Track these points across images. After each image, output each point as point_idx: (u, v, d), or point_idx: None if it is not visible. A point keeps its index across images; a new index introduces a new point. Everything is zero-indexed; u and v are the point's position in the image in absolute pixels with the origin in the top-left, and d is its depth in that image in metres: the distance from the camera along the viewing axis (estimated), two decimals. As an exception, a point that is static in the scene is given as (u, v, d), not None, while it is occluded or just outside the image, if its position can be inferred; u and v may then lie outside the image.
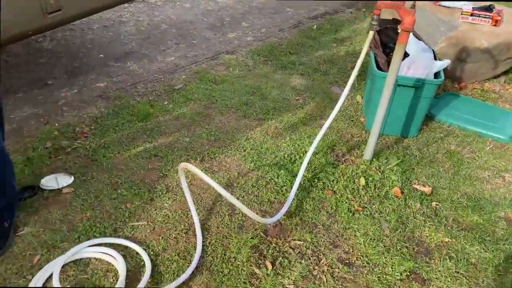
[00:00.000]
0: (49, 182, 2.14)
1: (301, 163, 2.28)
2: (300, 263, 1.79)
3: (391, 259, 1.83)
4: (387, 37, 2.78)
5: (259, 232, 1.92)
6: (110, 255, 1.73)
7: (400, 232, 1.97)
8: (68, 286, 1.61)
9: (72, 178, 2.17)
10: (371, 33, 2.11)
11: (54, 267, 1.64)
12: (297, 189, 2.06)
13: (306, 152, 2.41)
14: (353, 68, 2.17)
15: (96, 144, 2.45)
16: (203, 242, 1.83)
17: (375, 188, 2.20)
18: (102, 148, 2.41)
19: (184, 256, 1.78)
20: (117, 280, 1.64)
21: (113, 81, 3.16)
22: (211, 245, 1.84)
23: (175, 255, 1.77)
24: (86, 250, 1.74)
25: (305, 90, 3.14)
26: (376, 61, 2.59)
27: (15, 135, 2.50)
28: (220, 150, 2.45)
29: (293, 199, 2.04)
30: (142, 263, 1.73)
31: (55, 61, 3.38)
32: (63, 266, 1.67)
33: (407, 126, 2.62)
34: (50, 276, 1.64)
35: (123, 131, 2.58)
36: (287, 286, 1.68)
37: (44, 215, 1.94)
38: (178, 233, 1.89)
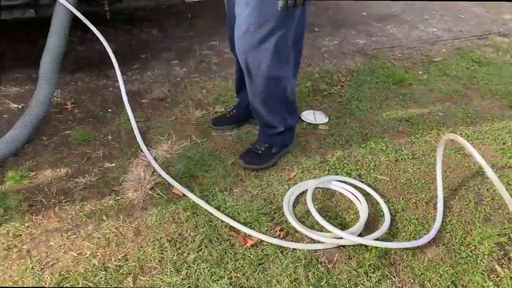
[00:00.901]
0: (308, 116, 2.42)
1: None
2: (555, 283, 1.57)
3: None
4: None
5: (508, 232, 1.76)
6: (355, 195, 1.89)
7: None
8: (316, 206, 1.85)
9: (327, 118, 2.40)
10: None
11: (308, 186, 1.89)
12: None
13: None
14: None
15: (351, 94, 2.62)
16: (443, 218, 1.80)
17: None
18: (355, 100, 2.57)
19: (422, 223, 1.79)
20: (357, 219, 1.79)
21: (372, 40, 3.25)
22: (451, 225, 1.79)
23: (414, 219, 1.80)
24: (335, 183, 1.94)
25: None
26: None
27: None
28: (475, 135, 2.28)
29: (560, 213, 1.78)
30: (381, 213, 1.82)
31: (322, 11, 3.67)
32: (314, 188, 1.91)
33: None
34: (302, 192, 1.91)
35: (377, 89, 2.66)
36: (534, 299, 1.52)
37: (303, 142, 2.23)
38: (419, 200, 1.90)
